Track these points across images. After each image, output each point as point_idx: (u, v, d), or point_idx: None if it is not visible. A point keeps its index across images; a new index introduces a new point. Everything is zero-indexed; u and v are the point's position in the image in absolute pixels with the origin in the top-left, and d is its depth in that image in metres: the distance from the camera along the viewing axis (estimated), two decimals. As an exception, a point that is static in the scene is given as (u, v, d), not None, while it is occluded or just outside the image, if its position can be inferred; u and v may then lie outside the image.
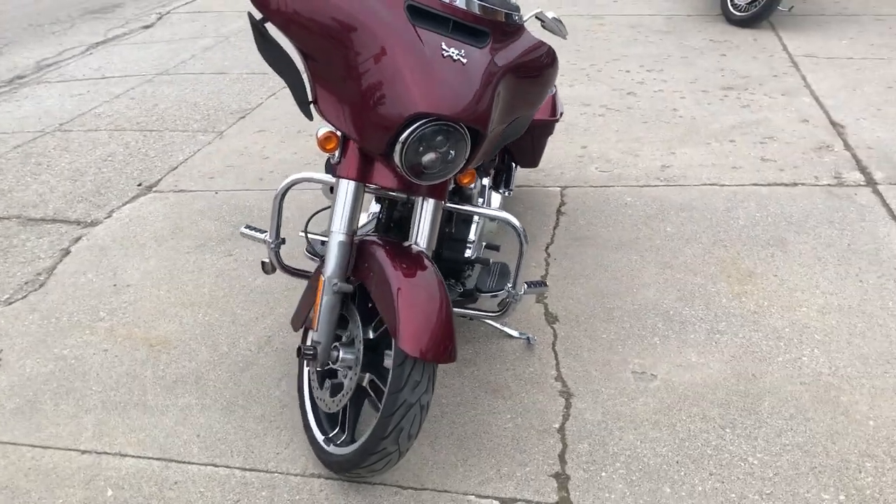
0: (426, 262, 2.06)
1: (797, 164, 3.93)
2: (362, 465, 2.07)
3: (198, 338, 2.86)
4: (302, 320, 2.34)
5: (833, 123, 4.40)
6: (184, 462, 2.32)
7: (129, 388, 2.62)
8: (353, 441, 2.17)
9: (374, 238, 2.17)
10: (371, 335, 2.14)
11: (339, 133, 2.12)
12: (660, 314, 2.86)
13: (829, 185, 3.71)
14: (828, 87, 4.91)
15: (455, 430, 2.39)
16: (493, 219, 2.51)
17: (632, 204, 3.64)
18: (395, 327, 1.93)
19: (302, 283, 2.59)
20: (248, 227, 2.64)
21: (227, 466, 2.30)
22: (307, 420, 2.33)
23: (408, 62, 1.94)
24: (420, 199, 2.17)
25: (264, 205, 3.77)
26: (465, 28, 2.03)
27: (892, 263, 3.09)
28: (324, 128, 2.12)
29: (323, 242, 2.58)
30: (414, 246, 2.14)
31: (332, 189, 2.29)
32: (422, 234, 2.16)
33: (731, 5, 6.35)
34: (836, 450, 2.24)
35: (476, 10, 2.04)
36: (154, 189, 4.04)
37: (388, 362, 2.00)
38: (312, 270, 2.56)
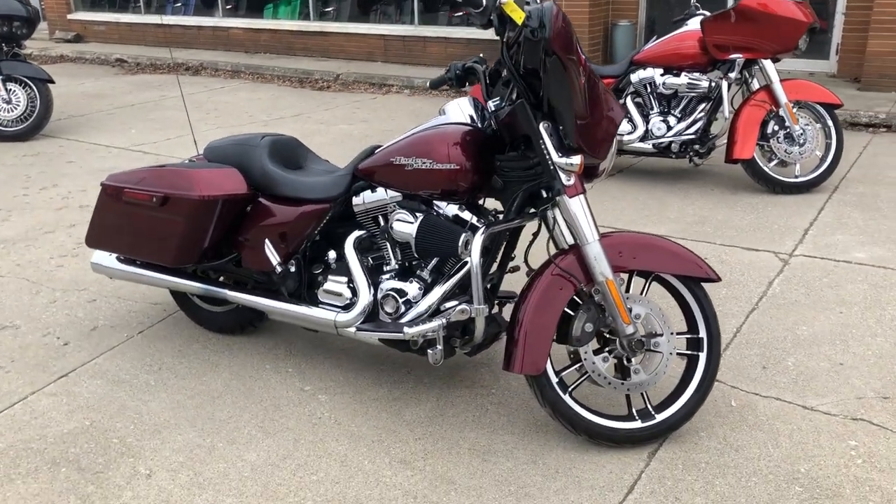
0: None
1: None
2: (702, 402, 2.61)
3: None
4: (546, 351, 2.52)
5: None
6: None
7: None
8: (661, 404, 2.63)
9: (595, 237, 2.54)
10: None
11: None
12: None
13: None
14: None
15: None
16: None
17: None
18: (702, 273, 2.56)
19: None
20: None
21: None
22: (601, 428, 2.59)
23: (599, 84, 2.49)
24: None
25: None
26: None
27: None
28: (577, 158, 2.47)
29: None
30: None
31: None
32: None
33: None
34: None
35: None
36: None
37: (697, 315, 2.62)
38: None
